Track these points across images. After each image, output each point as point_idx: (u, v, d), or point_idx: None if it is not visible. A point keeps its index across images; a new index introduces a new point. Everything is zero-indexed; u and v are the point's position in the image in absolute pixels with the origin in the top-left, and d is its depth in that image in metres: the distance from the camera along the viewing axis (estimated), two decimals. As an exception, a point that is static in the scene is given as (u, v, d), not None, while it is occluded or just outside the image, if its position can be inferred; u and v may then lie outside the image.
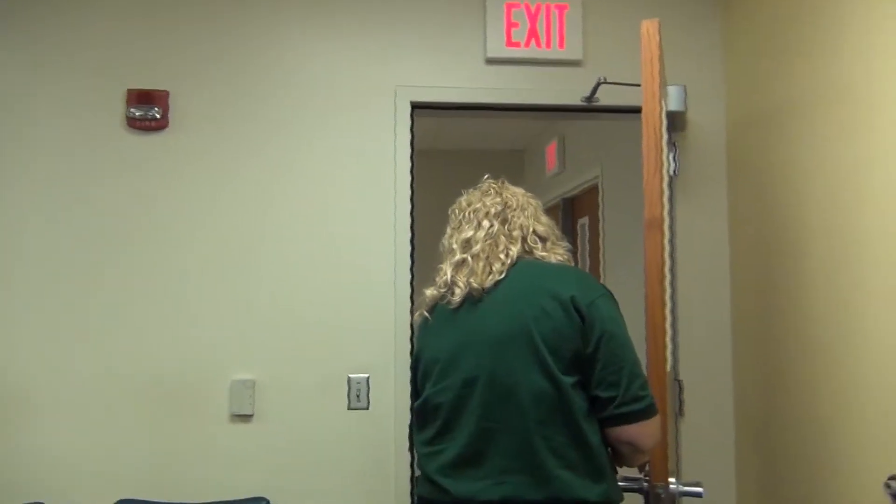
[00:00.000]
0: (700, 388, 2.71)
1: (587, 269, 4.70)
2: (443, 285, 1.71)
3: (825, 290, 2.15)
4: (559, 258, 1.73)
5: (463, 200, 1.82)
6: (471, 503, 1.54)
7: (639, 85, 1.90)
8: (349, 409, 2.59)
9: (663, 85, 2.35)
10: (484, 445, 1.55)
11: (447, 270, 1.71)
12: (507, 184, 1.84)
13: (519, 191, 1.83)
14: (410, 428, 2.57)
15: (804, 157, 2.27)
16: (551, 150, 5.22)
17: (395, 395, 2.59)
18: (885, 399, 1.89)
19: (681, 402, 2.69)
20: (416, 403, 1.73)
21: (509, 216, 1.74)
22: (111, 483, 2.46)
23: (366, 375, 2.60)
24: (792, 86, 2.34)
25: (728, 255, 2.75)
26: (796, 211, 2.31)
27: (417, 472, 1.72)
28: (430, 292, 1.75)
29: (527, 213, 1.76)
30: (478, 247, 1.69)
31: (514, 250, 1.68)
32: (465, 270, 1.67)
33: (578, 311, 1.56)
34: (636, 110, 1.90)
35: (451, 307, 1.67)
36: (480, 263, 1.67)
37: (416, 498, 1.70)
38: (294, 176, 2.63)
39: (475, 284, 1.64)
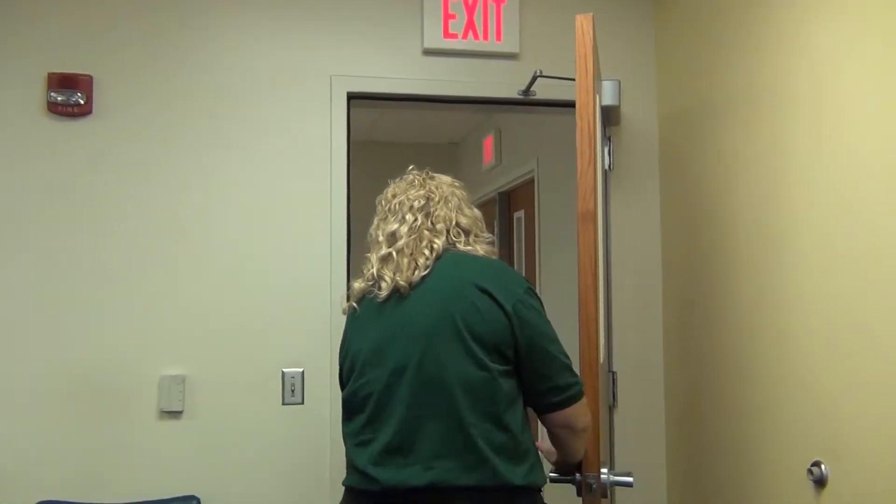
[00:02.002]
0: (633, 379, 2.76)
1: (522, 263, 4.74)
2: (370, 278, 1.73)
3: (752, 283, 2.22)
4: (483, 250, 1.76)
5: (389, 191, 1.83)
6: (398, 490, 1.56)
7: (574, 79, 1.92)
8: (283, 404, 2.54)
9: (598, 80, 2.37)
10: (413, 433, 1.57)
11: (374, 264, 1.73)
12: (432, 174, 1.85)
13: (445, 181, 1.84)
14: (346, 422, 2.54)
15: (733, 153, 2.33)
16: (488, 143, 5.24)
17: (330, 390, 2.55)
18: (809, 388, 1.95)
19: (614, 393, 2.73)
20: (343, 395, 1.73)
21: (432, 209, 1.75)
22: (32, 484, 2.35)
23: (300, 370, 2.55)
24: (722, 83, 2.40)
25: (660, 248, 2.80)
26: (725, 206, 2.37)
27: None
28: (358, 284, 1.76)
29: (450, 204, 1.78)
30: (402, 241, 1.71)
31: (439, 244, 1.70)
32: (391, 265, 1.69)
33: (504, 304, 1.60)
34: (572, 104, 1.90)
35: (378, 300, 1.68)
36: (405, 259, 1.68)
37: (344, 489, 1.69)
38: (225, 165, 2.56)
39: (401, 281, 1.66)
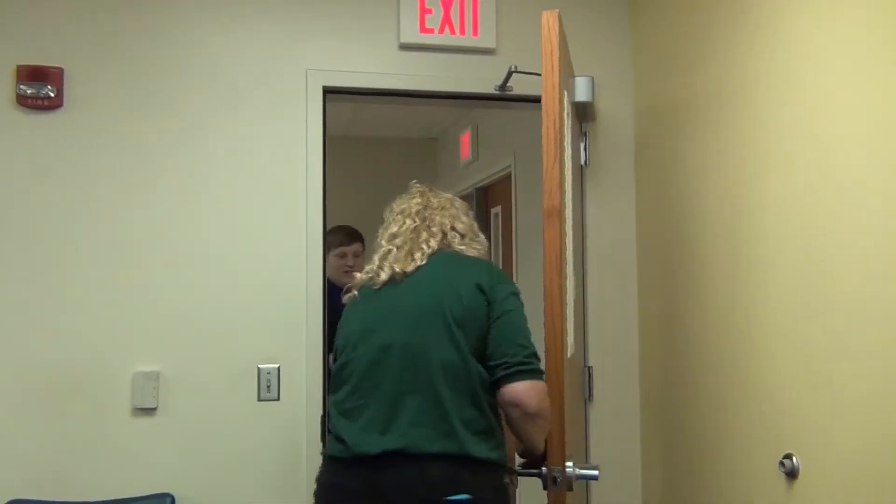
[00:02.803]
0: (609, 374, 2.78)
1: (499, 258, 4.75)
2: (370, 271, 1.92)
3: (726, 279, 2.24)
4: (475, 252, 1.95)
5: (394, 204, 2.05)
6: (370, 455, 1.70)
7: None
8: (259, 400, 2.52)
9: (569, 76, 2.38)
10: (395, 404, 1.72)
11: (375, 259, 1.94)
12: (434, 189, 2.07)
13: (445, 195, 2.06)
14: (323, 418, 2.53)
15: (707, 150, 2.35)
16: (465, 138, 5.24)
17: (306, 386, 2.54)
18: (780, 381, 1.98)
19: (590, 388, 2.74)
20: (333, 367, 1.89)
21: (429, 214, 1.97)
22: (3, 483, 2.32)
23: (276, 366, 2.54)
24: (696, 79, 2.41)
25: (636, 243, 2.82)
26: (701, 202, 2.39)
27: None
28: (360, 276, 1.95)
29: (447, 212, 1.99)
30: (400, 239, 1.92)
31: (434, 242, 1.90)
32: (390, 258, 1.89)
33: (486, 294, 1.78)
34: (548, 99, 1.91)
35: (375, 287, 1.87)
36: (403, 252, 1.89)
37: (323, 458, 1.85)
38: (198, 159, 2.53)
39: (398, 269, 1.85)
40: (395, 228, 1.95)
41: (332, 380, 1.88)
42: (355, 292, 1.91)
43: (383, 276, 1.86)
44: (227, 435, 2.48)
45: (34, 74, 2.43)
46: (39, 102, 2.44)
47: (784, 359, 1.96)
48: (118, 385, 2.43)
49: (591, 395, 2.75)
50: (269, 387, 2.53)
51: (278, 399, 2.53)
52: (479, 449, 1.70)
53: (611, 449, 2.74)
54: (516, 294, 1.83)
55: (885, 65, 1.65)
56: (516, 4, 2.79)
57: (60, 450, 2.38)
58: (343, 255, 3.31)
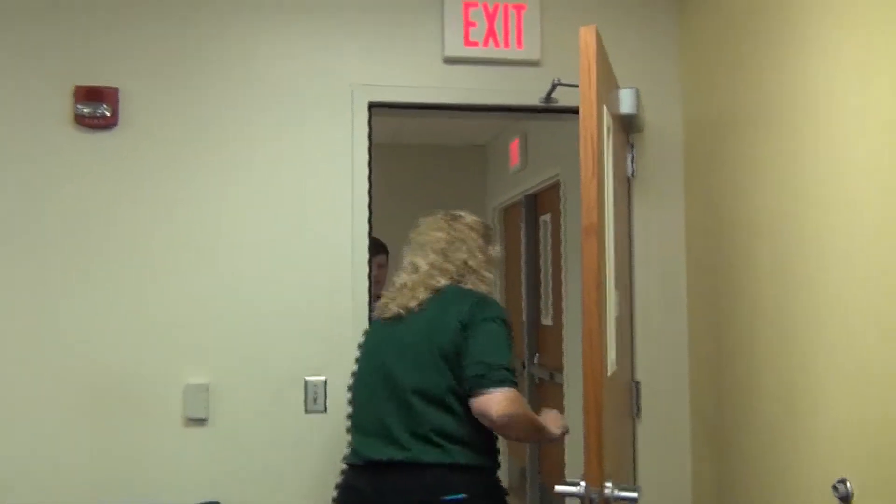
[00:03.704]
0: (658, 390, 2.73)
1: (549, 265, 4.73)
2: (386, 299, 2.17)
3: (778, 294, 2.18)
4: (483, 287, 2.14)
5: (421, 226, 2.22)
6: (381, 464, 1.98)
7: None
8: (306, 412, 2.56)
9: (611, 89, 2.35)
10: (388, 421, 2.00)
11: (392, 290, 2.17)
12: (457, 215, 2.21)
13: (467, 223, 2.20)
14: (368, 431, 2.56)
15: (756, 161, 2.29)
16: (514, 146, 5.22)
17: (352, 398, 2.56)
18: (835, 402, 1.92)
19: (638, 403, 2.70)
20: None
21: (451, 252, 2.14)
22: (57, 490, 2.40)
23: (323, 378, 2.57)
24: (745, 91, 2.36)
25: (684, 256, 2.77)
26: (748, 214, 2.33)
27: None
28: (382, 301, 2.20)
29: (466, 247, 2.16)
30: (417, 277, 2.12)
31: (443, 281, 2.10)
32: (403, 296, 2.12)
33: (465, 326, 1.98)
34: (592, 112, 1.89)
35: (386, 319, 2.14)
36: (409, 291, 2.11)
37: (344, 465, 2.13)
38: (249, 176, 2.58)
39: (402, 306, 2.10)
40: (418, 259, 2.15)
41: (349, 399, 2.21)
42: (376, 317, 2.21)
43: (392, 310, 2.12)
44: (275, 446, 2.52)
45: (91, 94, 2.51)
46: (96, 121, 2.52)
47: (839, 378, 1.90)
48: (171, 396, 2.49)
49: (639, 411, 2.71)
50: (315, 399, 2.56)
51: (325, 411, 2.56)
52: (462, 456, 1.94)
53: (660, 467, 2.69)
54: (495, 319, 2.00)
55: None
56: (560, 16, 2.76)
57: (114, 457, 2.44)
58: None
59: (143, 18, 2.57)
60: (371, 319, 2.19)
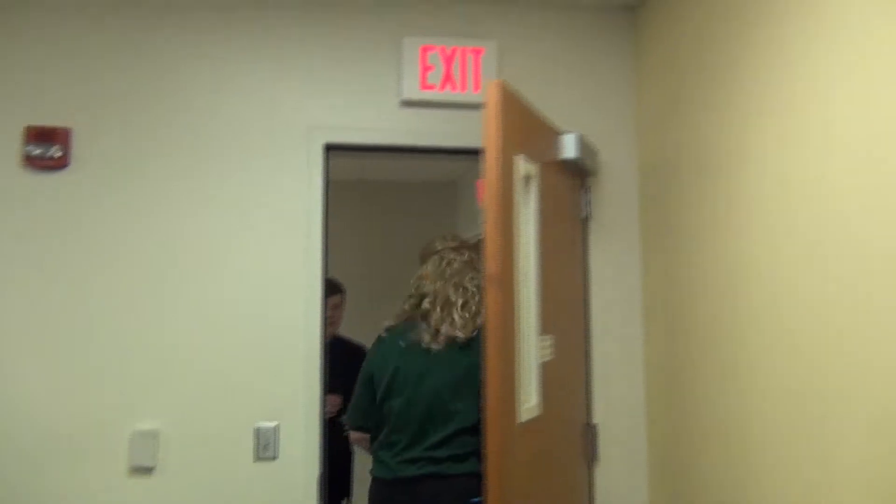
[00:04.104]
0: (615, 432, 2.70)
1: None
2: (425, 329, 2.37)
3: (734, 335, 2.18)
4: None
5: (447, 252, 2.50)
6: (414, 479, 2.26)
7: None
8: (256, 459, 2.50)
9: (546, 135, 2.39)
10: (423, 440, 2.27)
11: (436, 316, 2.37)
12: (462, 239, 2.54)
13: (472, 242, 2.52)
14: (321, 476, 2.51)
15: (712, 205, 2.30)
16: (481, 184, 5.21)
17: (305, 444, 2.52)
18: (791, 445, 1.91)
19: (595, 447, 2.67)
20: (380, 407, 2.39)
21: (467, 281, 2.41)
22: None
23: (274, 424, 2.52)
24: (698, 136, 2.38)
25: (641, 298, 2.77)
26: (703, 256, 2.34)
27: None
28: (406, 308, 2.46)
29: (471, 267, 2.47)
30: (457, 314, 2.35)
31: (477, 320, 2.35)
32: (454, 325, 2.34)
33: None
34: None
35: (424, 345, 2.34)
36: (459, 322, 2.34)
37: (373, 479, 2.37)
38: (202, 218, 2.56)
39: (450, 336, 2.33)
40: (455, 297, 2.37)
41: (386, 420, 2.39)
42: (402, 336, 2.41)
43: (440, 338, 2.33)
44: (226, 495, 2.46)
45: (42, 135, 2.48)
46: (46, 162, 2.48)
47: (794, 419, 1.89)
48: (116, 443, 2.43)
49: (596, 454, 2.68)
50: (267, 446, 2.51)
51: (276, 458, 2.51)
52: (478, 467, 2.13)
53: (617, 511, 2.66)
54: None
55: (885, 121, 1.61)
56: (518, 60, 2.78)
57: (57, 509, 2.37)
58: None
59: (98, 59, 2.55)
60: (410, 343, 2.37)
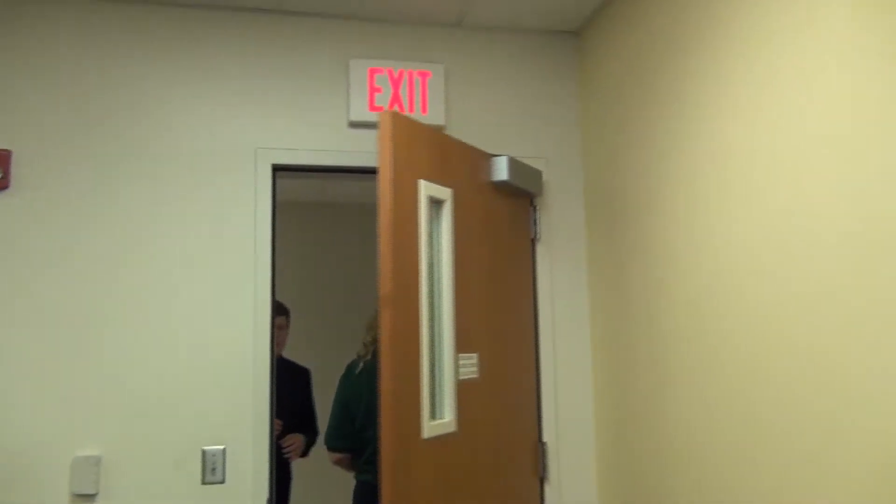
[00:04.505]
0: (565, 449, 2.73)
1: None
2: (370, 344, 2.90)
3: (680, 354, 2.22)
4: None
5: None
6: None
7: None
8: (203, 483, 2.46)
9: (472, 160, 2.46)
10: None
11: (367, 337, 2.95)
12: None
13: None
14: (269, 501, 2.48)
15: (651, 228, 2.36)
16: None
17: (253, 467, 2.49)
18: (735, 465, 1.95)
19: (545, 464, 2.69)
20: (361, 432, 2.91)
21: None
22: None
23: (222, 447, 2.49)
24: (636, 161, 2.44)
25: (588, 318, 2.81)
26: (650, 277, 2.39)
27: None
28: (369, 340, 2.96)
29: None
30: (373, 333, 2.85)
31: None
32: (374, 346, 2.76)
33: None
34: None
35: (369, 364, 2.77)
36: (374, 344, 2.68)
37: (360, 482, 2.92)
38: (148, 240, 2.53)
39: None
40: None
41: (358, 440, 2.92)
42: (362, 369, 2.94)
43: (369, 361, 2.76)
44: (170, 521, 2.42)
45: (-19, 157, 2.44)
46: (-15, 184, 2.44)
47: (743, 435, 1.93)
48: (57, 470, 2.37)
49: (546, 472, 2.70)
50: (214, 469, 2.47)
51: (223, 482, 2.47)
52: None
53: (566, 528, 2.68)
54: None
55: (814, 157, 1.67)
56: (465, 82, 2.83)
57: (-6, 540, 2.31)
58: None
59: (40, 80, 2.52)
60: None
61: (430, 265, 2.25)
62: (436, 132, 2.33)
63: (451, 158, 2.39)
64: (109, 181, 2.53)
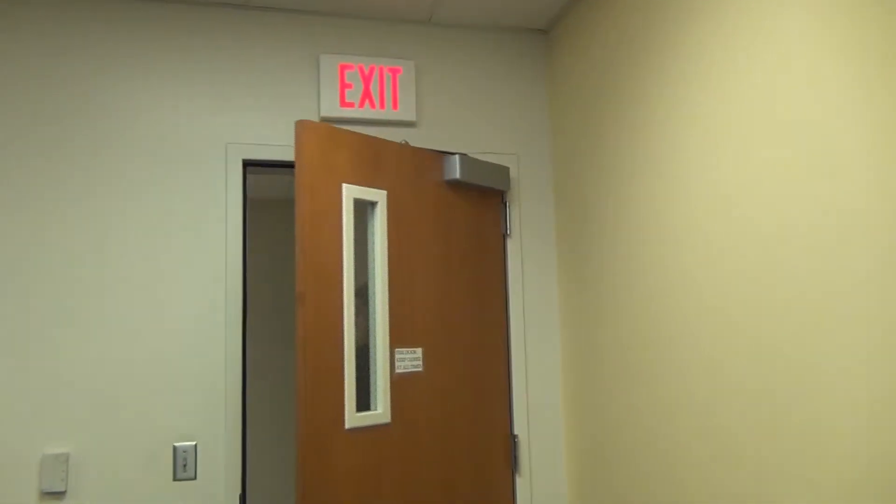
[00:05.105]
0: (535, 442, 2.77)
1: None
2: None
3: (647, 349, 2.26)
4: None
5: None
6: None
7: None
8: (175, 479, 2.45)
9: (418, 161, 2.48)
10: None
11: None
12: None
13: None
14: (241, 497, 2.48)
15: (617, 222, 2.40)
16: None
17: (225, 463, 2.48)
18: (703, 461, 1.99)
19: (516, 457, 2.73)
20: None
21: None
22: None
23: (193, 443, 2.48)
24: (604, 159, 2.48)
25: (558, 310, 2.85)
26: (618, 270, 2.43)
27: None
28: None
29: None
30: None
31: None
32: None
33: None
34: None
35: None
36: None
37: None
38: (117, 234, 2.51)
39: None
40: None
41: None
42: None
43: None
44: (141, 518, 2.41)
45: (-55, 151, 2.40)
46: (-51, 179, 2.40)
47: (704, 436, 1.98)
48: (25, 468, 2.34)
49: (517, 464, 2.73)
50: (185, 466, 2.46)
51: (195, 478, 2.47)
52: None
53: (537, 519, 2.72)
54: None
55: (776, 165, 1.72)
56: (435, 79, 2.85)
57: (-39, 539, 2.28)
58: None
59: (1, 74, 2.49)
60: None
61: (358, 264, 2.34)
62: (366, 137, 2.41)
63: (387, 161, 2.47)
64: (75, 177, 2.50)
